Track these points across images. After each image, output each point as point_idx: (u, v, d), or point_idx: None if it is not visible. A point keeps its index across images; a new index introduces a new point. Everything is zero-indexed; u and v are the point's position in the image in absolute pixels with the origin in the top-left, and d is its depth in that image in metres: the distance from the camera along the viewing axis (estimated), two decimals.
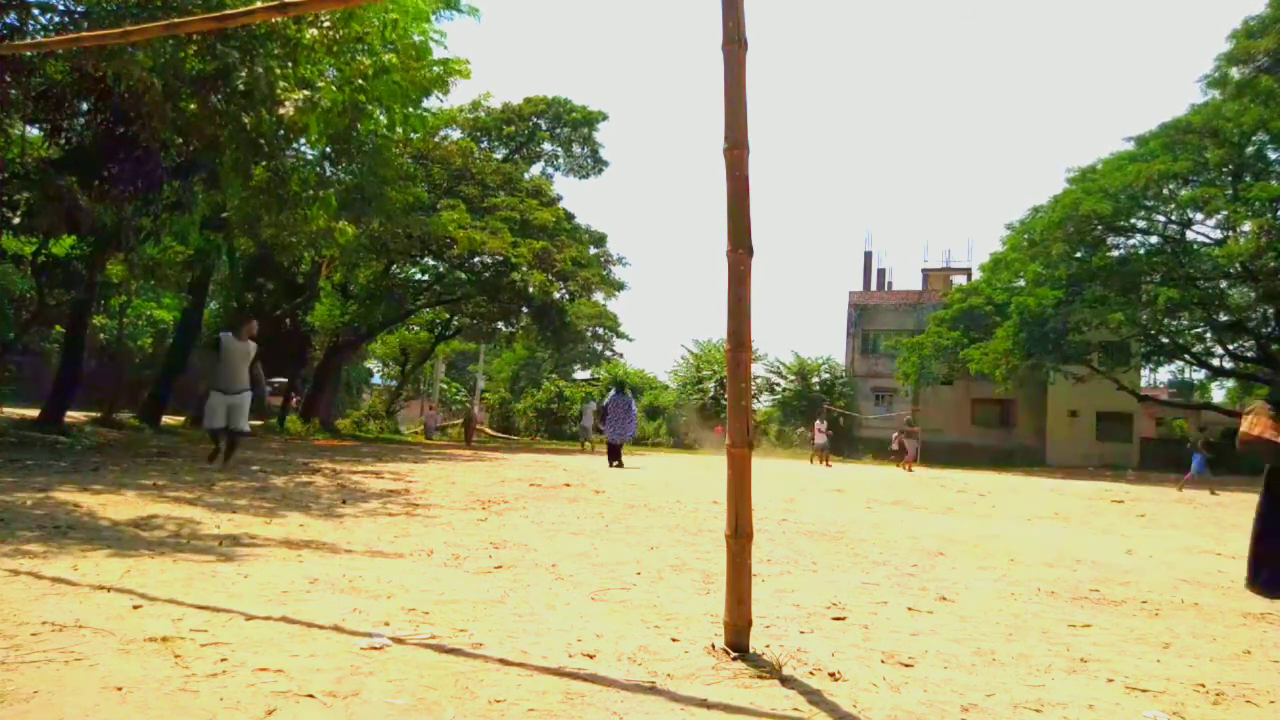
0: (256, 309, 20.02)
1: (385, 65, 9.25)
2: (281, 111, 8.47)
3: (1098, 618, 3.54)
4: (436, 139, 24.01)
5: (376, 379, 46.48)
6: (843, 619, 3.26)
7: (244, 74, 8.19)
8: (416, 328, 34.51)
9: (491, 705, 2.05)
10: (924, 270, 42.14)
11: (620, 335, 45.60)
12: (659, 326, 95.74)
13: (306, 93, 8.46)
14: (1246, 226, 22.76)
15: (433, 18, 9.95)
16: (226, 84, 8.48)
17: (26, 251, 13.04)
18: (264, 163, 10.30)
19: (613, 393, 15.71)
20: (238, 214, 11.92)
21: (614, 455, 14.43)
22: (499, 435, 34.20)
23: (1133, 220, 24.55)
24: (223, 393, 8.16)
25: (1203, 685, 2.56)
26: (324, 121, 8.89)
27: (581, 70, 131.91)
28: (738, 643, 2.61)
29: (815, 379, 36.74)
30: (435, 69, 10.39)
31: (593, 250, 29.30)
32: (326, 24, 8.64)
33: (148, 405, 16.45)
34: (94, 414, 15.46)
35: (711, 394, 35.65)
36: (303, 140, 10.90)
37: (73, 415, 13.56)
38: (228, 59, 8.05)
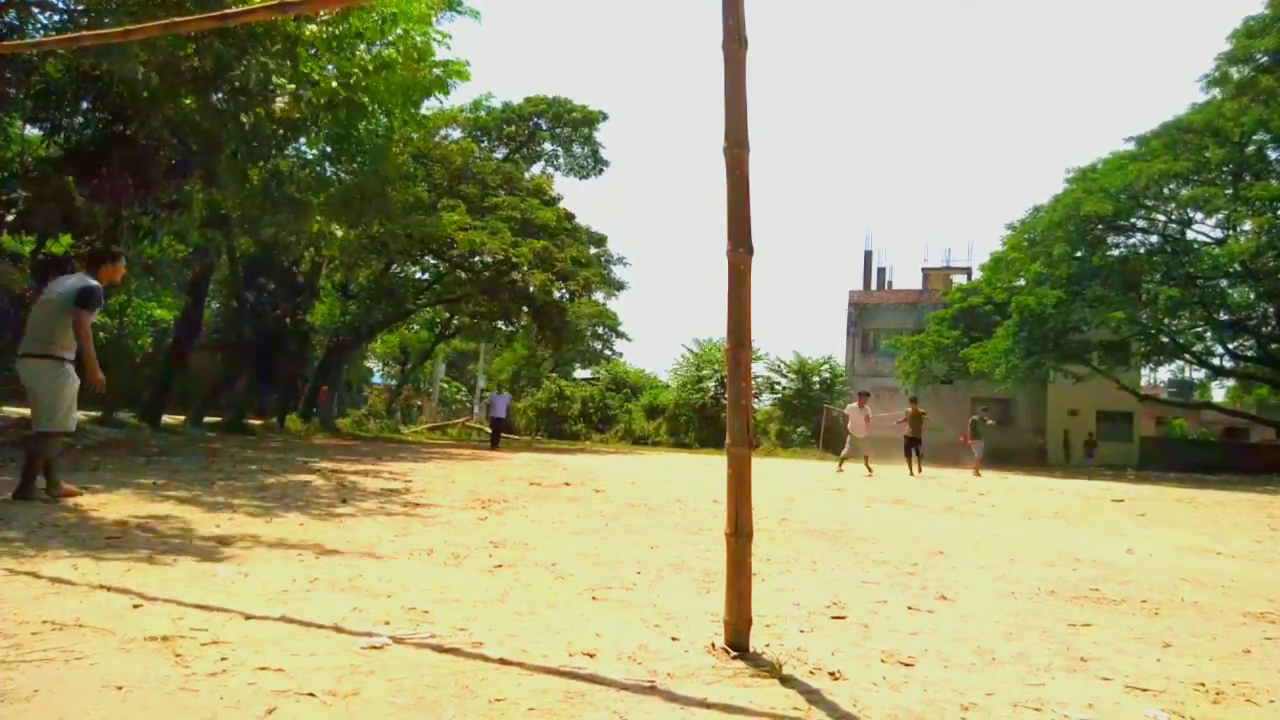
0: (256, 309, 20.05)
1: (385, 61, 9.26)
2: (274, 106, 8.46)
3: (1098, 617, 3.54)
4: (437, 139, 24.03)
5: (377, 378, 46.51)
6: (842, 618, 3.26)
7: (239, 71, 8.17)
8: (416, 327, 34.52)
9: (491, 704, 2.05)
10: (924, 270, 42.14)
11: (620, 335, 45.54)
12: (659, 326, 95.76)
13: (293, 86, 8.45)
14: (1247, 226, 22.76)
15: (434, 21, 9.97)
16: (225, 81, 8.49)
17: (25, 250, 13.03)
18: (262, 164, 10.31)
19: None
20: (237, 213, 11.93)
21: None
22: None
23: (1133, 220, 24.55)
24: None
25: (1203, 684, 2.56)
26: (320, 116, 8.89)
27: (581, 70, 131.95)
28: (738, 642, 2.61)
29: (815, 378, 36.70)
30: (436, 71, 10.40)
31: (593, 250, 29.31)
32: (324, 18, 8.65)
33: (148, 405, 16.46)
34: (94, 413, 15.46)
35: (712, 393, 35.58)
36: (303, 140, 10.91)
37: None
38: (225, 57, 8.04)
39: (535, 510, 6.59)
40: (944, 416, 34.48)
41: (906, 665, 2.61)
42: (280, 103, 8.43)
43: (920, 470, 16.85)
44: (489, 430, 25.25)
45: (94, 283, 5.38)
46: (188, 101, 9.00)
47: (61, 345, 5.28)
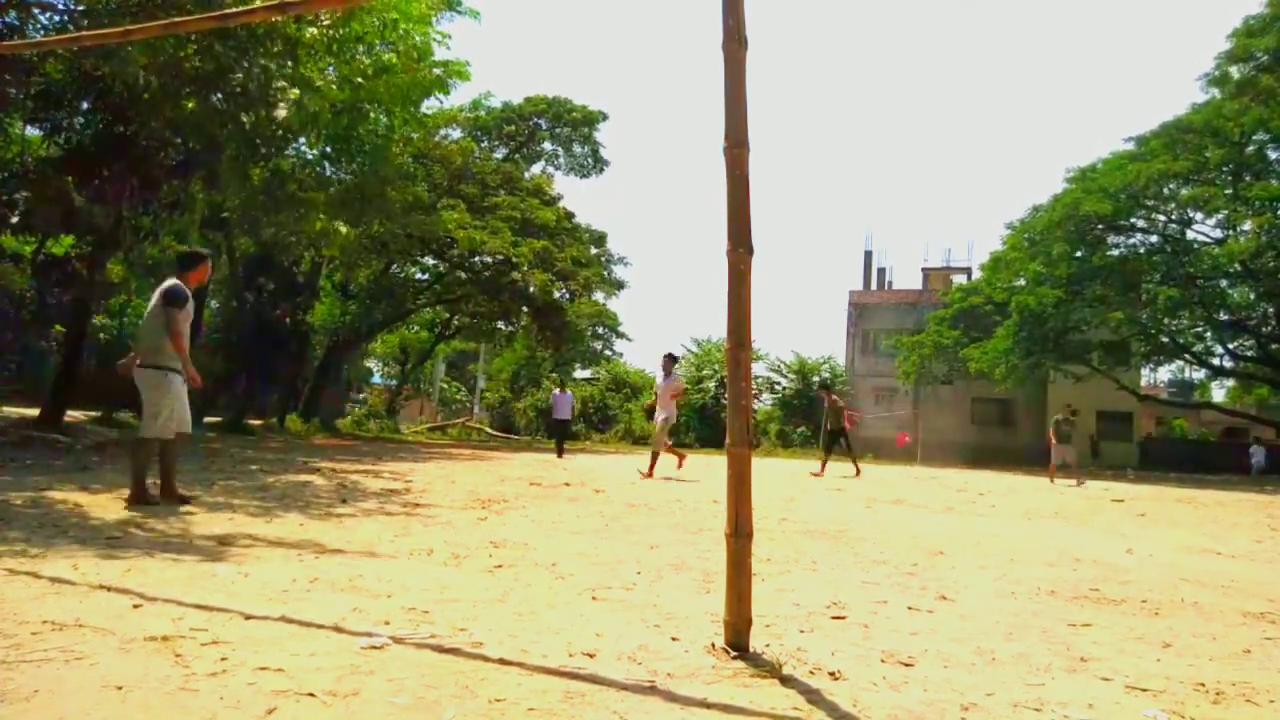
0: (256, 309, 20.06)
1: (385, 65, 9.25)
2: (276, 114, 8.46)
3: (1098, 617, 3.54)
4: (436, 138, 24.02)
5: (377, 378, 46.52)
6: (842, 618, 3.26)
7: (240, 75, 8.18)
8: (416, 327, 34.51)
9: (491, 704, 2.05)
10: (924, 270, 42.13)
11: (620, 335, 45.51)
12: (659, 326, 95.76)
13: (297, 92, 8.44)
14: (1246, 225, 22.74)
15: (434, 20, 9.97)
16: (225, 83, 8.48)
17: (26, 251, 13.04)
18: (262, 163, 10.30)
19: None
20: (238, 214, 11.93)
21: None
22: (498, 435, 34.15)
23: (1133, 219, 24.55)
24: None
25: (1203, 684, 2.56)
26: (320, 123, 8.89)
27: (581, 70, 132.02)
28: (738, 642, 2.61)
29: (815, 378, 36.74)
30: (435, 70, 10.40)
31: (593, 250, 29.31)
32: (326, 23, 8.65)
33: None
34: (94, 413, 15.46)
35: (712, 394, 35.61)
36: (303, 140, 10.91)
37: (73, 415, 13.56)
38: (225, 59, 8.04)
39: (535, 510, 6.59)
40: (942, 417, 34.55)
41: (906, 665, 2.61)
42: (281, 111, 8.42)
43: (859, 471, 14.56)
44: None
45: (173, 281, 5.64)
46: (189, 104, 9.00)
47: (165, 355, 5.52)
